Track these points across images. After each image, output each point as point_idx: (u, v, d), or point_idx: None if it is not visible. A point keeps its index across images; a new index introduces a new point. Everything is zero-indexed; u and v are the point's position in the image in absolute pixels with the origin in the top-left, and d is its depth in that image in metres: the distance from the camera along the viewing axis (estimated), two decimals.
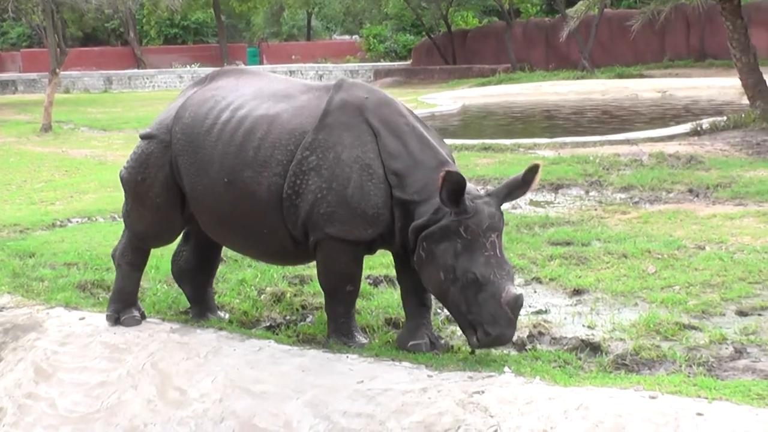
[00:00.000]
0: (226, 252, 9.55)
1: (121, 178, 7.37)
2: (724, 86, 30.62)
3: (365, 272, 8.67)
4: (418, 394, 5.69)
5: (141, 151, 7.22)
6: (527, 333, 7.02)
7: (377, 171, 6.39)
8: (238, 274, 8.88)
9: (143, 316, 7.46)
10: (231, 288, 8.44)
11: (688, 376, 5.90)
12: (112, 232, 11.17)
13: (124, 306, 7.41)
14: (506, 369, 6.05)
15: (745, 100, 21.29)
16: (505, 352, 6.65)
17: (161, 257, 9.44)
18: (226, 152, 6.72)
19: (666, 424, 4.98)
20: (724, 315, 7.30)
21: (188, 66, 55.82)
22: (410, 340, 6.65)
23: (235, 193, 6.67)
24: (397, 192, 6.38)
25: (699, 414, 5.06)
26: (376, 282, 8.51)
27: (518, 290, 6.14)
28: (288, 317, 7.69)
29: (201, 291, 7.64)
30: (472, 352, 6.60)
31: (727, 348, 6.60)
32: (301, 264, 7.66)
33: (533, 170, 6.31)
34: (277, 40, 69.61)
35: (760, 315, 7.27)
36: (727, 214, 10.94)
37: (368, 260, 9.21)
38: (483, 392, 5.61)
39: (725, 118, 20.14)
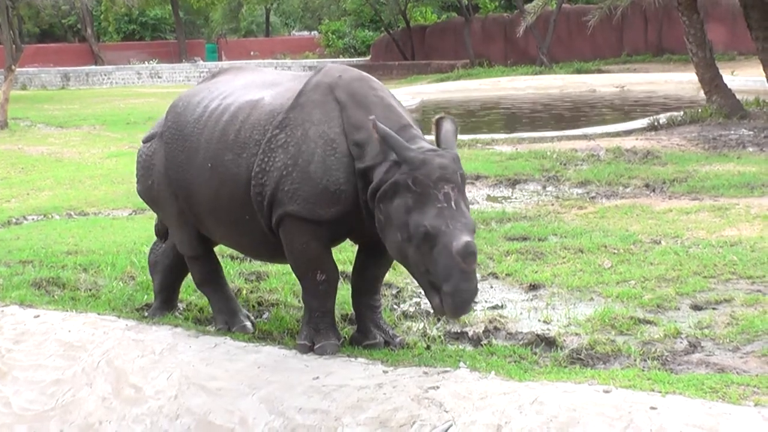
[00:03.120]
0: None
1: (139, 194, 7.44)
2: (681, 81, 30.87)
3: None
4: (374, 389, 5.69)
5: (144, 155, 7.23)
6: (483, 328, 7.04)
7: (341, 146, 6.21)
8: None
9: (254, 325, 7.28)
10: (187, 285, 8.37)
11: (643, 371, 5.95)
12: (68, 230, 11.11)
13: (231, 316, 7.27)
14: (461, 364, 6.06)
15: (702, 95, 21.47)
16: (460, 347, 6.67)
17: (117, 254, 9.40)
18: (210, 138, 6.65)
19: (620, 418, 5.01)
20: (678, 309, 7.36)
21: (146, 62, 55.42)
22: (364, 340, 6.65)
23: (217, 178, 6.58)
24: (358, 163, 6.16)
25: (653, 408, 5.09)
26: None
27: (469, 238, 5.71)
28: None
29: (169, 287, 7.67)
30: (428, 348, 6.61)
31: (681, 342, 6.65)
32: (280, 261, 7.32)
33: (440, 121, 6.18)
34: (235, 36, 69.41)
35: (714, 309, 7.34)
36: (682, 209, 11.03)
37: None
38: (438, 387, 5.61)
39: (682, 113, 20.31)
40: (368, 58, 53.67)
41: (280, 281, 8.36)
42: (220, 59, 59.27)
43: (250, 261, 9.15)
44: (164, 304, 7.66)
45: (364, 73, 6.63)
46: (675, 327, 6.87)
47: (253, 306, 7.83)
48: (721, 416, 4.97)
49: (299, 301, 7.78)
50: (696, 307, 7.40)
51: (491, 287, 8.28)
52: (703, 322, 7.00)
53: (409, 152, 5.91)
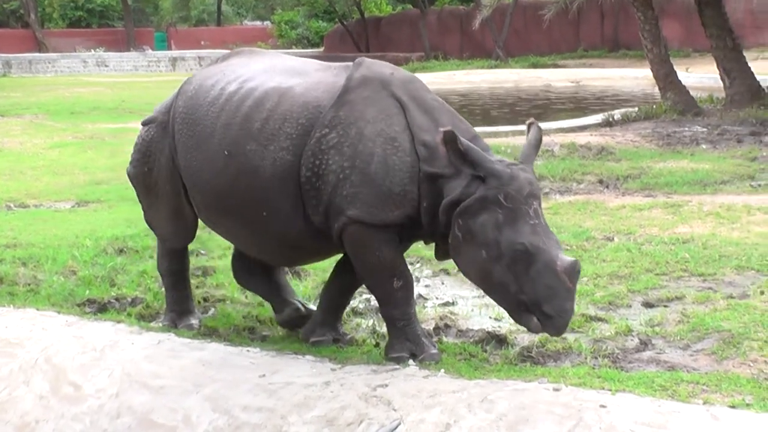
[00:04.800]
0: (126, 242, 9.45)
1: (129, 176, 7.12)
2: (637, 77, 31.13)
3: None
4: (321, 387, 5.68)
5: (142, 139, 6.95)
6: (433, 325, 7.06)
7: (403, 144, 5.96)
8: (139, 266, 8.77)
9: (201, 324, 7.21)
10: (131, 280, 8.33)
11: (593, 368, 6.00)
12: (7, 222, 10.99)
13: (180, 314, 7.19)
14: (410, 362, 6.06)
15: (658, 92, 21.67)
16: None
17: (58, 248, 9.30)
18: (229, 123, 6.30)
19: (569, 417, 5.03)
20: (630, 306, 7.42)
21: (93, 50, 54.93)
22: (312, 336, 6.63)
23: (235, 167, 6.24)
24: (425, 165, 5.93)
25: (602, 406, 5.12)
26: None
27: (569, 256, 5.70)
28: None
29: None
30: (377, 345, 6.60)
31: (632, 340, 6.71)
32: (306, 262, 7.25)
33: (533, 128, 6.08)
34: (185, 25, 68.92)
35: (665, 306, 7.40)
36: (636, 205, 11.11)
37: None
38: (387, 385, 5.61)
39: (636, 109, 20.49)
40: (322, 49, 53.56)
41: (227, 277, 8.29)
42: (169, 48, 58.94)
43: (197, 255, 9.10)
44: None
45: (411, 74, 6.47)
46: (626, 325, 6.93)
47: (199, 302, 7.78)
48: (670, 414, 5.02)
49: (247, 297, 7.76)
50: (648, 305, 7.46)
51: (443, 284, 8.30)
52: (654, 319, 7.05)
53: (495, 166, 5.80)
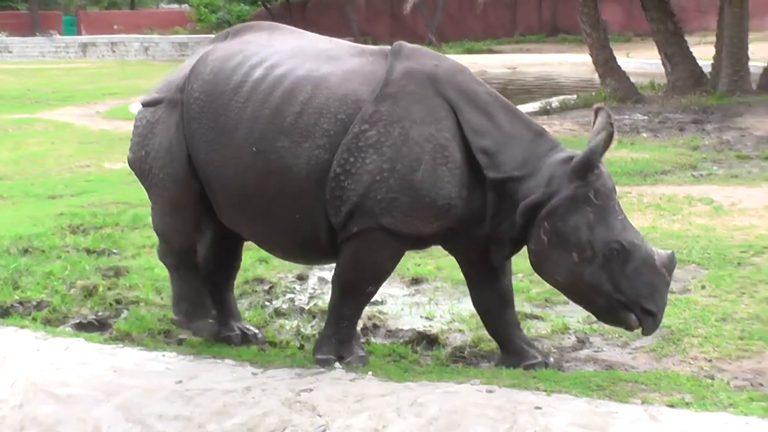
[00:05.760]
0: (31, 242, 9.34)
1: (129, 164, 6.69)
2: (575, 63, 31.50)
3: None
4: (241, 393, 5.67)
5: (147, 121, 6.47)
6: (362, 326, 7.06)
7: (453, 154, 5.78)
8: (45, 267, 8.66)
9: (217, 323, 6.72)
10: (36, 282, 8.22)
11: (528, 369, 6.04)
12: None
13: (194, 309, 6.66)
14: (337, 365, 6.07)
15: (597, 78, 21.93)
16: None
17: None
18: (256, 116, 6.01)
19: (503, 419, 5.09)
20: (567, 303, 7.42)
21: None
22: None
23: (264, 165, 5.96)
24: (491, 172, 5.78)
25: (537, 408, 5.20)
26: None
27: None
28: (100, 313, 7.54)
29: (220, 292, 6.87)
30: (301, 347, 6.61)
31: (569, 338, 6.80)
32: (325, 263, 6.86)
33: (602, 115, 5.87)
34: (96, 9, 68.13)
35: None
36: None
37: None
38: (311, 390, 5.62)
39: (575, 96, 20.70)
40: None
41: (141, 277, 8.25)
42: (79, 33, 58.15)
43: (108, 255, 9.03)
44: (224, 313, 6.83)
45: (459, 62, 6.24)
46: (563, 322, 7.02)
47: (111, 304, 7.70)
48: (607, 415, 5.11)
49: (162, 299, 7.72)
50: None
51: None
52: (592, 317, 7.12)
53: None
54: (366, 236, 5.85)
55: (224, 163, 6.10)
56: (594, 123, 5.91)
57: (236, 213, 6.27)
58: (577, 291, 5.82)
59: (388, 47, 6.15)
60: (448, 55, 6.41)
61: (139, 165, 6.52)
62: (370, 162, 5.75)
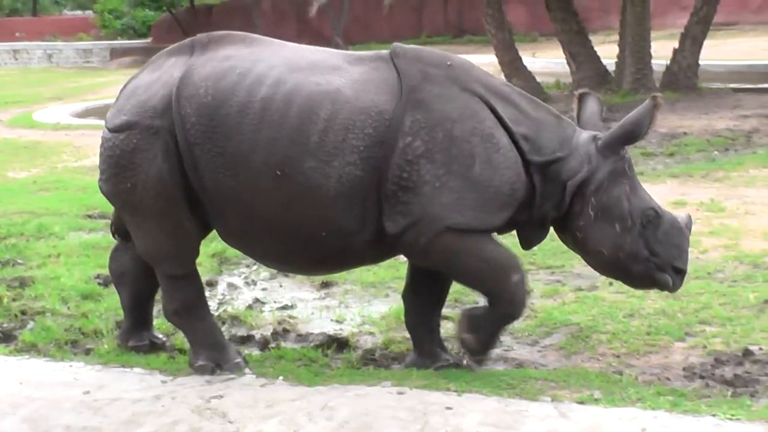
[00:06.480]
0: None
1: (105, 194, 6.26)
2: (482, 63, 31.05)
3: (95, 271, 8.52)
4: (151, 402, 5.61)
5: (120, 150, 6.03)
6: (271, 330, 7.05)
7: (501, 140, 5.84)
8: None
9: (245, 360, 6.31)
10: None
11: (439, 369, 6.06)
12: None
13: (220, 351, 6.23)
14: (247, 371, 6.04)
15: (503, 78, 22.10)
16: (246, 351, 6.64)
17: None
18: (275, 138, 5.76)
19: (414, 421, 5.11)
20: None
21: None
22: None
23: (291, 188, 5.75)
24: (535, 156, 5.93)
25: (448, 408, 5.23)
26: (106, 282, 8.28)
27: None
28: (5, 325, 7.39)
29: (144, 300, 6.72)
30: None
31: None
32: (343, 270, 6.80)
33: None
34: None
35: None
36: None
37: (100, 258, 9.03)
38: (222, 397, 5.60)
39: None
40: (149, 40, 52.82)
41: (47, 287, 8.11)
42: None
43: (13, 265, 8.88)
44: (139, 322, 6.71)
45: (464, 58, 6.29)
46: None
47: (16, 315, 7.56)
48: (518, 413, 5.16)
49: (69, 309, 7.61)
50: None
51: (281, 286, 8.30)
52: None
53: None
54: (441, 245, 5.78)
55: (240, 188, 5.84)
56: (577, 109, 6.38)
57: (251, 238, 6.06)
58: (617, 262, 6.05)
59: (383, 52, 6.10)
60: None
61: (125, 197, 6.11)
62: (425, 172, 5.70)
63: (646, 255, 5.99)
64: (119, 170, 6.05)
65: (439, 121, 5.76)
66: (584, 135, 6.11)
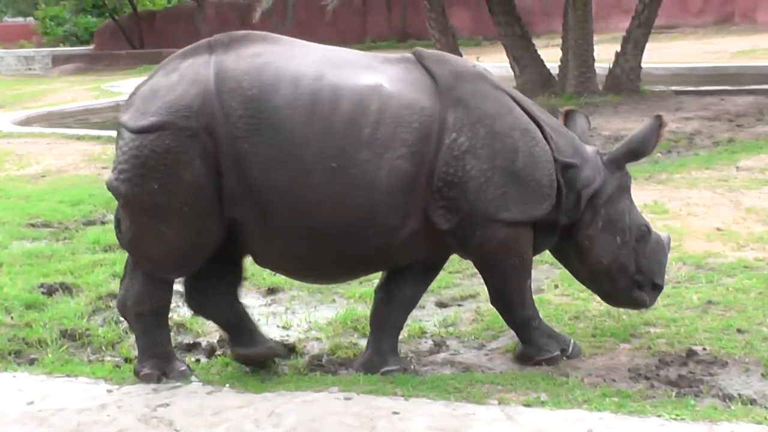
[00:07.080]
0: None
1: (120, 193, 5.90)
2: None
3: (38, 280, 8.44)
4: (97, 411, 5.57)
5: (148, 150, 5.71)
6: (218, 338, 7.01)
7: (537, 134, 6.06)
8: None
9: (191, 368, 6.28)
10: None
11: (386, 374, 6.07)
12: None
13: (165, 360, 6.13)
14: (193, 378, 6.02)
15: None
16: (193, 359, 6.61)
17: None
18: (327, 130, 5.66)
19: (361, 426, 5.12)
20: (423, 307, 7.54)
21: None
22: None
23: (346, 181, 5.66)
24: (559, 155, 6.15)
25: (395, 413, 5.25)
26: (50, 291, 8.21)
27: None
28: None
29: (234, 313, 6.39)
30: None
31: (426, 342, 6.85)
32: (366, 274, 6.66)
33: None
34: None
35: (459, 306, 7.60)
36: None
37: (43, 267, 8.95)
38: (168, 405, 5.57)
39: None
40: (92, 46, 52.47)
41: None
42: None
43: None
44: (249, 337, 6.38)
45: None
46: (420, 326, 7.07)
47: None
48: (465, 417, 5.19)
49: (12, 318, 7.54)
50: (441, 305, 7.64)
51: None
52: (448, 319, 7.23)
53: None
54: (499, 241, 5.99)
55: (291, 184, 5.70)
56: (566, 126, 6.52)
57: (291, 238, 5.86)
58: (610, 274, 6.33)
59: (407, 54, 6.18)
60: None
61: (147, 198, 5.78)
62: (471, 168, 5.83)
63: (633, 270, 6.33)
64: (146, 171, 5.75)
65: (479, 118, 5.92)
66: (590, 148, 6.36)
